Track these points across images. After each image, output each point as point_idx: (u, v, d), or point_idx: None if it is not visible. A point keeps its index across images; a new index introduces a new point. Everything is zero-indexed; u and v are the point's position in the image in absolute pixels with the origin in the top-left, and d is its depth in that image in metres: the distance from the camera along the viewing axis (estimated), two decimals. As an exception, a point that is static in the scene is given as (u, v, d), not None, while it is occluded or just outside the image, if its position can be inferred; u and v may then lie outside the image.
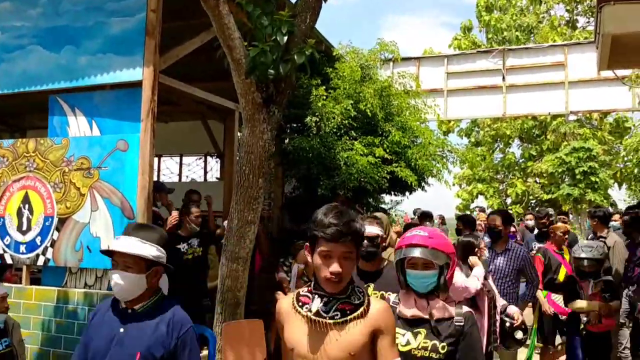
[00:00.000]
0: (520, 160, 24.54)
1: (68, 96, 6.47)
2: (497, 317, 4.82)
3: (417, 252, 2.68)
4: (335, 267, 2.20)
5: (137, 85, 6.03)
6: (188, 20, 6.90)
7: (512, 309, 4.94)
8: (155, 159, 12.59)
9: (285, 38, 4.92)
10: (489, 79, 9.91)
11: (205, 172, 12.04)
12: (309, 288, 2.36)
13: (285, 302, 2.44)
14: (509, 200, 24.65)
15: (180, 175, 12.32)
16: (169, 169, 12.56)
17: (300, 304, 2.34)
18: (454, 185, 25.66)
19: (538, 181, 23.50)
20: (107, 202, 6.05)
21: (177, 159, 12.46)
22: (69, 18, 6.46)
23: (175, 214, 6.25)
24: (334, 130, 7.44)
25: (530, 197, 23.65)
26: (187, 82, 7.24)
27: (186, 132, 11.32)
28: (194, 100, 8.08)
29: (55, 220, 6.31)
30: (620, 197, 23.09)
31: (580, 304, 5.76)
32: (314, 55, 5.14)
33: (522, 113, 11.11)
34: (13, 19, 6.73)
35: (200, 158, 12.14)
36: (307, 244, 2.32)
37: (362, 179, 7.21)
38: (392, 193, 9.21)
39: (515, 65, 9.81)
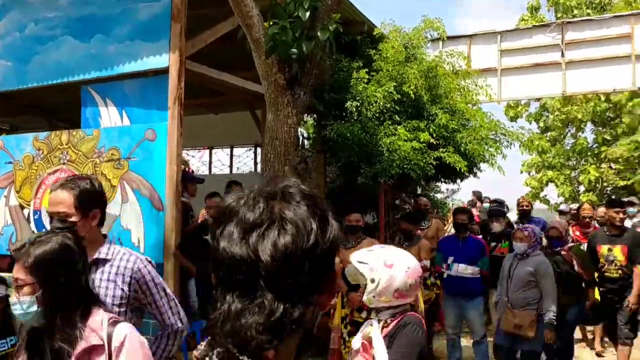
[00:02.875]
0: (594, 145, 23.18)
1: (99, 86, 6.38)
2: None
3: None
4: None
5: (164, 72, 5.85)
6: (219, 6, 6.67)
7: None
8: (207, 151, 12.78)
9: (308, 14, 4.58)
10: (547, 55, 9.14)
11: (255, 163, 11.86)
12: None
13: None
14: (581, 188, 23.39)
15: (231, 166, 12.20)
16: (220, 161, 12.47)
17: None
18: (521, 172, 24.64)
19: (613, 167, 22.14)
20: (137, 193, 5.91)
21: (228, 150, 12.34)
22: (97, 6, 6.36)
23: (204, 210, 6.04)
24: (376, 115, 7.03)
25: (605, 184, 22.34)
26: (229, 72, 7.05)
27: (236, 123, 11.17)
28: (241, 90, 7.89)
29: (92, 213, 6.22)
30: None
31: None
32: (339, 31, 4.79)
33: (584, 91, 10.29)
34: (45, 10, 6.70)
35: (251, 149, 11.97)
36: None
37: (404, 166, 6.77)
38: (442, 180, 8.71)
39: (575, 39, 8.99)
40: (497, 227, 7.05)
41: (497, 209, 7.67)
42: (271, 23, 4.66)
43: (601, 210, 8.68)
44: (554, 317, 5.13)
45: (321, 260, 0.98)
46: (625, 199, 10.52)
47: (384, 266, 2.72)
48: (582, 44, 9.00)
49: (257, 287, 0.93)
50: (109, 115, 6.28)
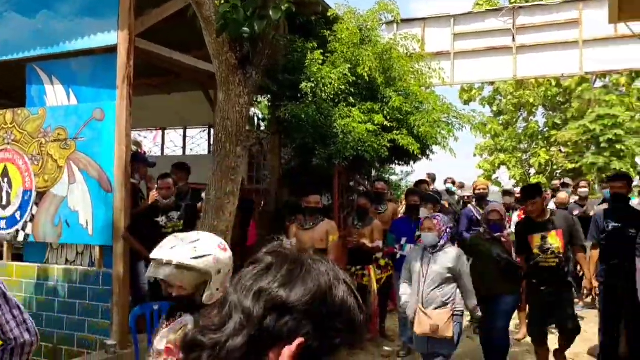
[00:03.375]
0: (544, 129, 23.75)
1: (45, 64, 6.17)
2: None
3: None
4: None
5: (113, 50, 5.69)
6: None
7: None
8: (159, 132, 12.54)
9: (260, -8, 4.50)
10: (499, 39, 9.24)
11: (210, 145, 11.69)
12: None
13: None
14: (532, 171, 23.97)
15: (184, 148, 12.01)
16: (173, 142, 12.27)
17: None
18: (474, 155, 25.07)
19: (562, 150, 22.74)
20: (84, 174, 5.76)
21: (181, 131, 12.13)
22: (42, -20, 6.12)
23: (155, 192, 5.93)
24: (331, 96, 7.01)
25: (554, 167, 22.94)
26: (182, 51, 6.90)
27: (189, 104, 10.97)
28: (194, 70, 7.73)
29: (34, 194, 6.06)
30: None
31: None
32: (291, 11, 4.73)
33: (534, 75, 10.48)
34: (-13, -16, 6.41)
35: (204, 130, 11.79)
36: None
37: (359, 148, 6.79)
38: (395, 162, 8.78)
39: (526, 24, 9.12)
40: (424, 212, 6.44)
41: (431, 194, 7.33)
42: (222, 1, 4.56)
43: (562, 195, 8.85)
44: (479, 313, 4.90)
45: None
46: (563, 181, 10.80)
47: (221, 250, 2.36)
48: (533, 28, 9.15)
49: None
50: (55, 94, 6.08)
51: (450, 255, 4.76)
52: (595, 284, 5.63)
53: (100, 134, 5.69)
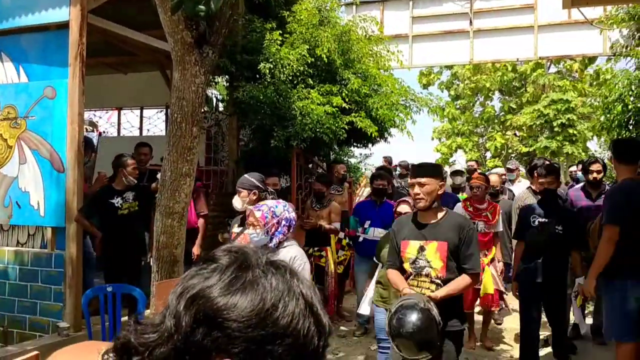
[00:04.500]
0: (500, 114, 24.19)
1: (-7, 40, 5.95)
2: None
3: None
4: None
5: (65, 26, 5.53)
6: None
7: None
8: (115, 113, 12.29)
9: (217, -31, 4.42)
10: (456, 23, 9.35)
11: (167, 125, 11.51)
12: None
13: None
14: (488, 154, 24.42)
15: (140, 128, 11.80)
16: (129, 123, 12.03)
17: None
18: (432, 139, 25.38)
19: (517, 134, 23.22)
20: (35, 154, 5.62)
21: (138, 112, 11.91)
22: (-11, -49, 5.89)
23: (102, 174, 5.88)
24: (290, 77, 6.99)
25: (509, 151, 23.42)
26: (141, 31, 6.76)
27: (146, 84, 10.77)
28: (151, 49, 7.59)
29: (-17, 174, 5.87)
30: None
31: None
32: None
33: (490, 59, 10.65)
34: None
35: (162, 111, 11.60)
36: None
37: (317, 130, 6.79)
38: (354, 145, 8.82)
39: (482, 8, 9.25)
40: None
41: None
42: (178, -22, 4.48)
43: (493, 178, 8.37)
44: None
45: None
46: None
47: None
48: (489, 13, 9.29)
49: None
50: (5, 71, 5.89)
51: (288, 255, 3.35)
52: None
53: (52, 112, 5.54)
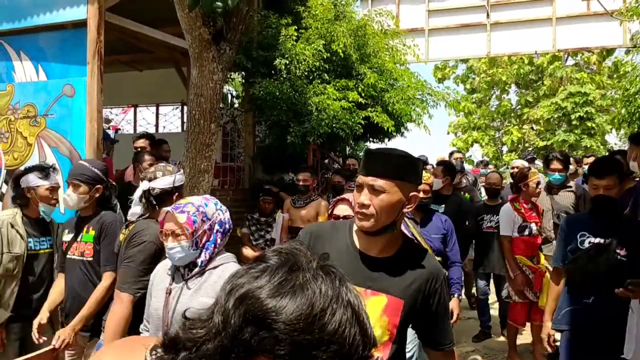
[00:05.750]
0: (517, 107, 23.96)
1: (12, 39, 6.00)
2: None
3: None
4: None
5: (83, 24, 5.55)
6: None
7: None
8: (131, 110, 12.36)
9: (233, -34, 4.43)
10: (473, 16, 9.30)
11: (183, 122, 11.58)
12: None
13: None
14: (504, 149, 24.22)
15: (157, 125, 11.86)
16: (145, 120, 12.11)
17: None
18: (448, 133, 25.22)
19: (534, 128, 23.00)
20: (55, 151, 5.66)
21: (154, 109, 11.97)
22: (7, -49, 5.93)
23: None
24: (305, 73, 7.00)
25: (526, 145, 23.21)
26: (157, 28, 6.78)
27: (162, 81, 10.83)
28: (167, 46, 7.61)
29: (4, 172, 5.93)
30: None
31: None
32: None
33: (507, 52, 10.54)
34: (-51, -45, 6.19)
35: (177, 107, 11.66)
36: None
37: (334, 125, 6.79)
38: (370, 140, 8.80)
39: (500, 1, 9.17)
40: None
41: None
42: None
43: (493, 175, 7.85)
44: None
45: None
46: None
47: None
48: (507, 5, 9.21)
49: None
50: (24, 70, 5.94)
51: (218, 281, 2.41)
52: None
53: (71, 110, 5.58)
